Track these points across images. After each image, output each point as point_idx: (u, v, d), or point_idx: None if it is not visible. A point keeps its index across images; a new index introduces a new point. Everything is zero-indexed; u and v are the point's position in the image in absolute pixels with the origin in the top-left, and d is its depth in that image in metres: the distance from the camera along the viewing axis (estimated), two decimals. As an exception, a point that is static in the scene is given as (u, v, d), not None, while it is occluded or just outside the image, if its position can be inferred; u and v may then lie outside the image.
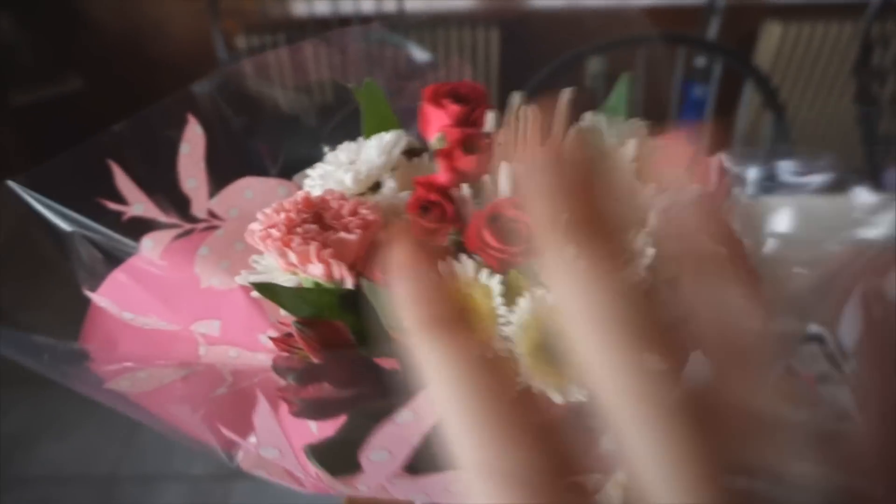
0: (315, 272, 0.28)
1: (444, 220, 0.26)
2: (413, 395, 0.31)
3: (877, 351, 0.17)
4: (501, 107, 0.32)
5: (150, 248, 0.43)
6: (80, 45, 1.96)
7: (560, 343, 0.26)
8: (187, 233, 0.44)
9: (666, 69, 1.36)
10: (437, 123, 0.29)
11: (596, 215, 0.29)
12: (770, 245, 0.41)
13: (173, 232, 0.44)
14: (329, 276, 0.29)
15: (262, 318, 0.36)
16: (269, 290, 0.28)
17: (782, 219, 0.43)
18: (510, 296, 0.27)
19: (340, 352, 0.28)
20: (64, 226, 0.40)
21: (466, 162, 0.26)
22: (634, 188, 0.30)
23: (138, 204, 0.43)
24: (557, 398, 0.23)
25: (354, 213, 0.29)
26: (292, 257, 0.28)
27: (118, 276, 0.40)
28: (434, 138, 0.30)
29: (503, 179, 0.27)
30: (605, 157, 0.30)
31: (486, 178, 0.27)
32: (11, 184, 0.39)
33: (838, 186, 0.39)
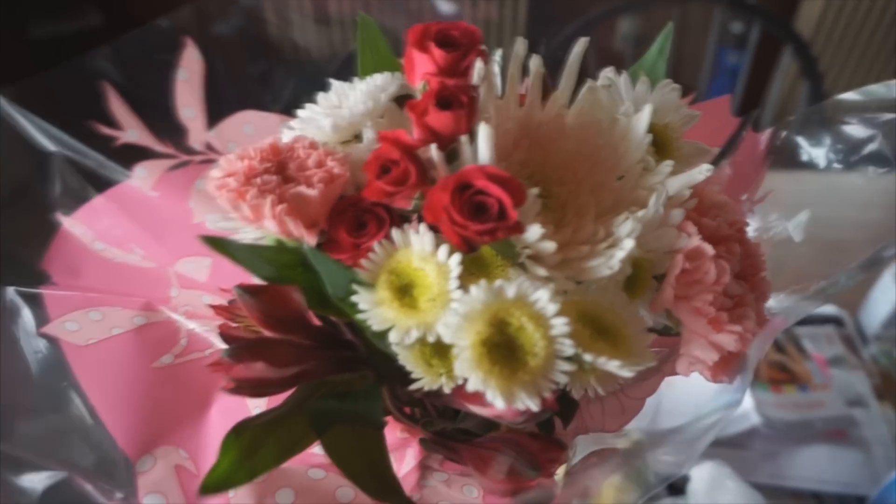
0: (271, 228, 0.26)
1: (405, 184, 0.22)
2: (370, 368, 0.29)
3: None
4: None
5: (144, 176, 0.41)
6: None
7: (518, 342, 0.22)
8: (182, 164, 0.42)
9: (700, 33, 1.24)
10: (422, 70, 0.25)
11: (588, 190, 0.25)
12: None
13: (169, 162, 0.42)
14: (287, 233, 0.26)
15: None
16: (221, 245, 0.25)
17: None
18: (473, 279, 0.23)
19: (288, 325, 0.25)
20: (47, 144, 0.38)
21: (440, 119, 0.23)
22: (646, 165, 0.26)
23: (132, 130, 0.41)
24: (499, 403, 0.20)
25: (321, 164, 0.26)
26: (246, 211, 0.25)
27: (102, 202, 0.39)
28: (418, 87, 0.26)
29: (482, 142, 0.23)
30: (615, 124, 0.26)
31: (463, 139, 0.23)
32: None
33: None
